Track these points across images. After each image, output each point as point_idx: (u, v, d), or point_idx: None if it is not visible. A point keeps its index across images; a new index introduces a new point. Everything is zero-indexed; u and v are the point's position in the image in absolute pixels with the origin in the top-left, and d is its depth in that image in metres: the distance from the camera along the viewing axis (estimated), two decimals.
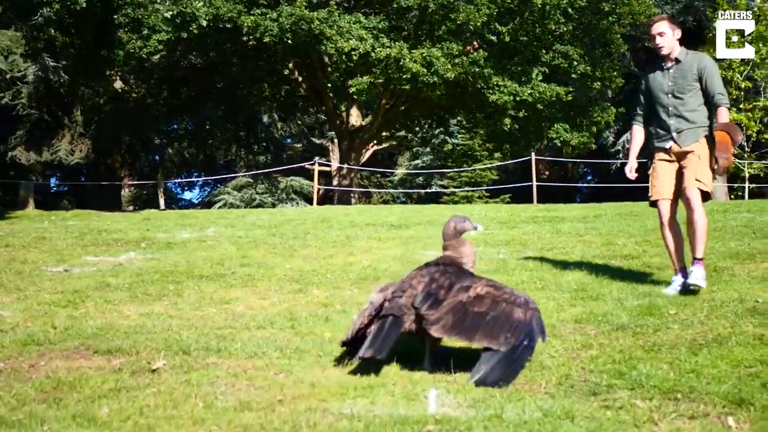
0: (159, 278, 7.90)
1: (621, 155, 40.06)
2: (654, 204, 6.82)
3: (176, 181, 42.45)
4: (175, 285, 7.54)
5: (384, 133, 31.18)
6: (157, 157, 39.34)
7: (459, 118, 29.78)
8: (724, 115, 6.45)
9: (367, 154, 31.26)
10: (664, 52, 6.63)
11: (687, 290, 6.35)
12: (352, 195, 28.13)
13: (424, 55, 22.38)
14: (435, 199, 36.07)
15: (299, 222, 13.69)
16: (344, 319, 5.84)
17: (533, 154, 23.85)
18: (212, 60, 27.35)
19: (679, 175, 6.64)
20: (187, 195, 55.08)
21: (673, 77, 6.65)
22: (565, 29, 24.44)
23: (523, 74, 24.30)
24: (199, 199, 45.07)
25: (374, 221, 13.37)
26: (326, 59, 25.51)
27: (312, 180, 28.79)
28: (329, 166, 31.40)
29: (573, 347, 4.90)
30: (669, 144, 6.66)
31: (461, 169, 33.46)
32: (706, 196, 6.51)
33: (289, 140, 44.15)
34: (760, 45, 30.62)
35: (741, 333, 4.93)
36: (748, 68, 30.41)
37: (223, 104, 31.66)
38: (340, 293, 6.97)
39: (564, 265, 7.94)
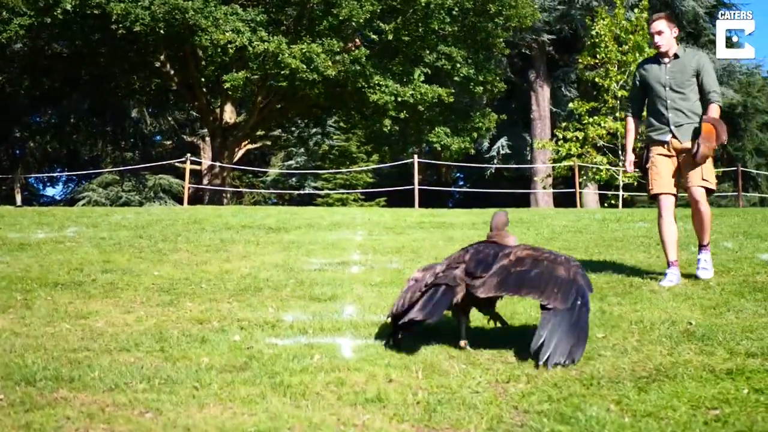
0: (6, 285, 6.83)
1: (495, 161, 40.07)
2: (654, 197, 6.96)
3: (37, 176, 40.48)
4: (24, 294, 6.48)
5: (259, 132, 30.14)
6: (17, 151, 37.42)
7: (336, 118, 29.05)
8: (715, 111, 6.70)
9: (239, 153, 30.16)
10: (663, 49, 6.88)
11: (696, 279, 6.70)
12: (224, 195, 27.04)
13: (303, 50, 21.56)
14: (308, 200, 35.25)
15: (168, 223, 12.66)
16: (223, 340, 4.97)
17: (415, 157, 23.22)
18: (78, 49, 25.88)
19: (678, 169, 6.83)
20: (50, 191, 52.76)
21: (671, 72, 6.86)
22: (450, 30, 23.92)
23: (404, 74, 23.70)
24: (62, 196, 43.08)
25: (250, 223, 12.46)
26: (200, 52, 24.40)
27: (182, 179, 27.60)
28: (200, 164, 30.21)
29: (498, 379, 4.17)
30: (668, 137, 6.81)
31: (337, 170, 32.72)
32: (710, 191, 6.80)
33: (158, 137, 42.62)
34: (637, 55, 30.90)
35: (685, 363, 4.32)
36: (625, 77, 30.63)
37: (89, 97, 30.18)
38: (217, 307, 6.06)
39: None
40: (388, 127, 24.17)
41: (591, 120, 30.77)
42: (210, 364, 4.41)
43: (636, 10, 31.65)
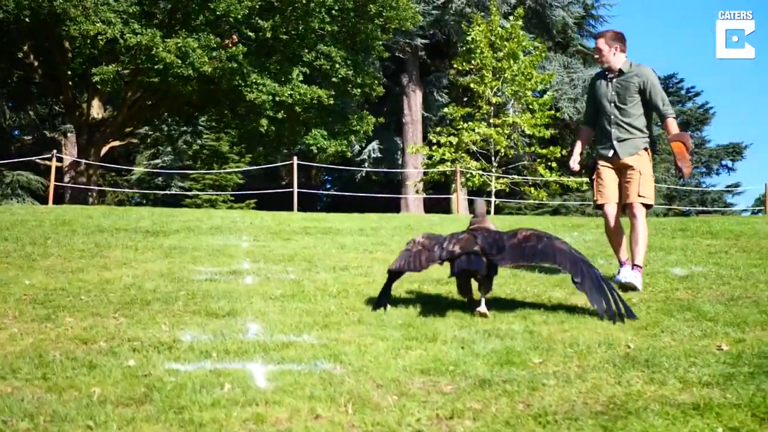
0: None
1: (366, 164, 39.74)
2: (599, 207, 7.20)
3: None
4: None
5: (127, 129, 28.96)
6: None
7: (207, 117, 28.11)
8: (674, 126, 6.92)
9: (103, 150, 28.92)
10: (605, 65, 7.13)
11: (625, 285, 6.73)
12: (89, 194, 25.82)
13: (179, 45, 20.65)
14: (176, 201, 34.15)
15: (35, 224, 11.76)
16: (115, 365, 4.34)
17: (295, 159, 22.50)
18: None
19: (621, 183, 7.08)
20: None
21: (616, 87, 7.10)
22: (329, 29, 23.38)
23: (283, 73, 23.02)
24: None
25: (125, 226, 11.67)
26: (68, 43, 23.13)
27: (41, 175, 26.26)
28: (63, 161, 28.86)
29: (440, 414, 3.68)
30: (611, 152, 7.05)
31: (207, 171, 31.78)
32: (648, 206, 7.02)
33: (17, 132, 40.68)
34: (512, 62, 31.05)
35: (639, 394, 3.93)
36: (499, 83, 30.75)
37: None
38: (102, 323, 5.39)
39: (371, 289, 6.73)
40: (265, 128, 23.48)
41: (465, 126, 30.74)
42: (103, 396, 3.81)
43: (511, 18, 31.80)
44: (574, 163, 7.36)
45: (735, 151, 66.36)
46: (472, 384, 4.14)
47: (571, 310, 5.93)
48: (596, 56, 7.22)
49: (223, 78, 21.98)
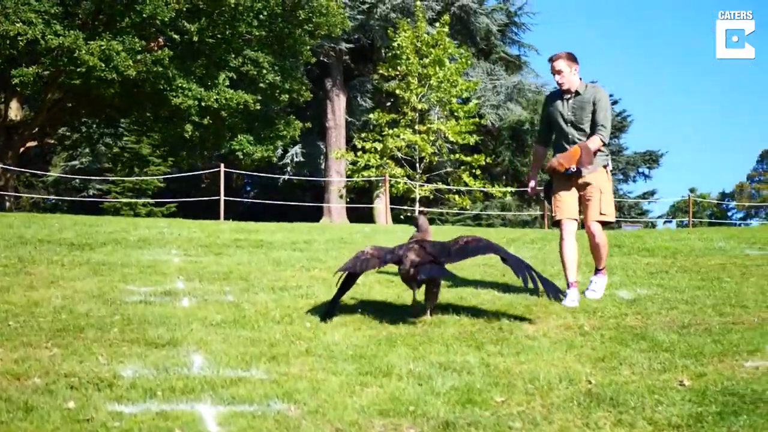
0: None
1: (288, 170, 39.39)
2: (557, 223, 7.35)
3: None
4: None
5: (46, 130, 28.14)
6: None
7: (129, 120, 27.45)
8: (594, 141, 7.10)
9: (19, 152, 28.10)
10: (564, 87, 7.27)
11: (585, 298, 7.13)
12: (7, 199, 25.02)
13: (102, 47, 20.08)
14: (94, 205, 33.32)
15: None
16: (53, 407, 4.06)
17: (222, 166, 22.02)
18: None
19: (580, 199, 7.26)
20: None
21: (572, 108, 7.25)
22: (257, 34, 23.00)
23: (209, 78, 22.58)
24: None
25: (48, 237, 11.22)
26: None
27: None
28: None
29: None
30: (570, 171, 7.13)
31: (128, 174, 31.10)
32: (607, 223, 7.28)
33: None
34: (437, 68, 31.04)
35: None
36: (425, 89, 30.72)
37: None
38: (35, 355, 5.06)
39: (314, 313, 6.50)
40: (190, 133, 22.99)
41: (390, 132, 30.64)
42: None
43: (437, 25, 31.78)
44: (533, 187, 7.59)
45: (651, 158, 67.57)
46: (436, 427, 3.97)
47: (526, 337, 5.79)
48: (556, 78, 7.30)
49: (147, 82, 21.47)
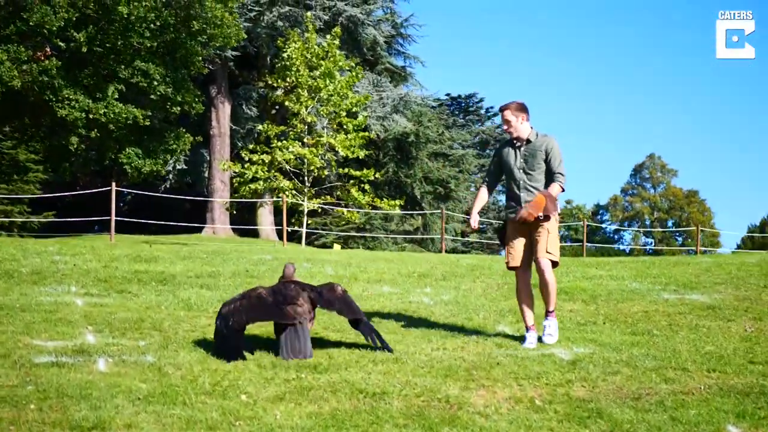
0: None
1: (170, 177, 38.53)
2: (511, 269, 7.78)
3: None
4: None
5: None
6: None
7: (10, 127, 26.23)
8: (554, 188, 7.58)
9: None
10: (513, 135, 7.71)
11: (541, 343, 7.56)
12: None
13: None
14: None
15: None
16: None
17: (113, 185, 21.08)
18: None
19: (530, 243, 7.65)
20: None
21: (524, 155, 7.70)
22: (148, 45, 22.18)
23: (97, 89, 21.67)
24: None
25: None
26: None
27: None
28: None
29: None
30: (540, 218, 7.50)
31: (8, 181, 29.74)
32: (555, 264, 7.65)
33: None
34: (327, 81, 30.62)
35: None
36: (314, 102, 30.28)
37: None
38: None
39: (246, 381, 6.04)
40: (75, 145, 22.03)
41: (279, 144, 30.07)
42: None
43: (328, 37, 31.37)
44: (475, 222, 7.92)
45: None
46: None
47: (478, 415, 5.47)
48: (505, 127, 7.73)
49: (32, 92, 20.49)
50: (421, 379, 6.22)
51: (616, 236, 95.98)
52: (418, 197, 46.54)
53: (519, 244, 7.70)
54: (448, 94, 64.10)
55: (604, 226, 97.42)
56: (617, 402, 5.82)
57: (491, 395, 5.94)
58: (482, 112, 68.03)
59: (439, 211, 38.46)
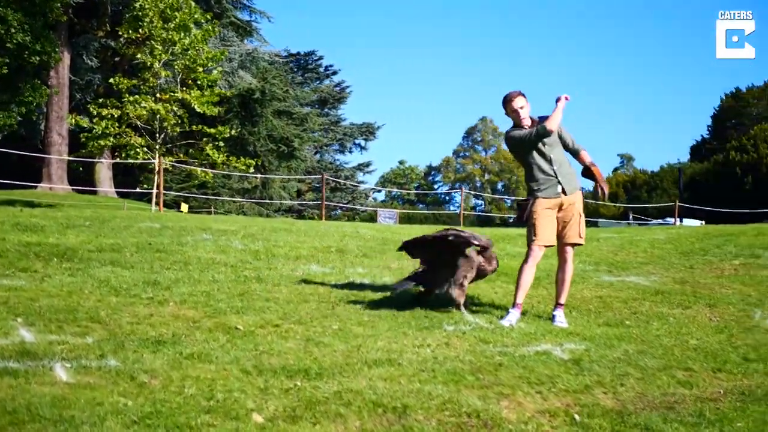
0: None
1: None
2: (530, 246, 7.59)
3: None
4: None
5: None
6: None
7: None
8: (588, 156, 7.82)
9: None
10: (527, 122, 7.69)
11: (553, 325, 7.47)
12: None
13: None
14: None
15: None
16: None
17: None
18: None
19: (560, 221, 7.62)
20: None
21: None
22: None
23: None
24: None
25: None
26: None
27: None
28: None
29: None
30: (558, 188, 7.57)
31: None
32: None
33: None
34: (183, 34, 29.15)
35: None
36: (168, 55, 28.91)
37: None
38: None
39: (234, 390, 5.26)
40: None
41: (131, 98, 28.53)
42: None
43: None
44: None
45: (368, 130, 68.64)
46: None
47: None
48: (513, 116, 7.71)
49: None
50: (430, 387, 5.55)
51: (446, 197, 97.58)
52: (261, 155, 45.58)
53: (549, 224, 7.56)
54: (286, 50, 62.54)
55: (436, 186, 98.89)
56: (654, 413, 5.35)
57: (518, 406, 5.37)
58: (320, 70, 67.33)
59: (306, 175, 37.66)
